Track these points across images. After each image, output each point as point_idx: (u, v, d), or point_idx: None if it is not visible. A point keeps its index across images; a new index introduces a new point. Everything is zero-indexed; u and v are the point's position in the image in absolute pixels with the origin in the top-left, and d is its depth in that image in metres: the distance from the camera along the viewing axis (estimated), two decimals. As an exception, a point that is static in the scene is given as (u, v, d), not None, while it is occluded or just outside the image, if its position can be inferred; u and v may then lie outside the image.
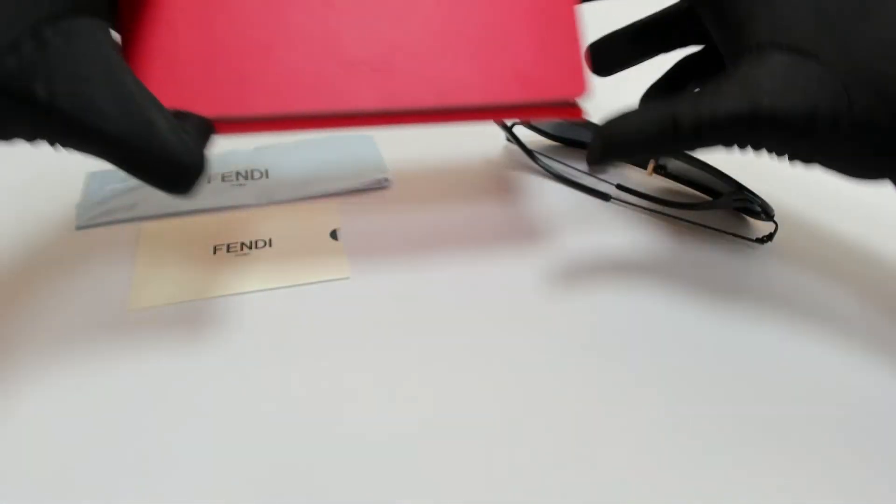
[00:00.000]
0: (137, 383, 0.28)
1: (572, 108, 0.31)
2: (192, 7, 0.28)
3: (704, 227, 0.37)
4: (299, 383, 0.28)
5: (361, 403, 0.28)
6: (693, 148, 0.28)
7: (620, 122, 0.28)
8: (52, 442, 0.26)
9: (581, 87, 0.30)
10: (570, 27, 0.31)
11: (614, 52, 0.34)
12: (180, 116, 0.25)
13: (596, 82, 0.31)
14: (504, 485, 0.25)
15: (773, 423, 0.27)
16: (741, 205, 0.35)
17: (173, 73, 0.27)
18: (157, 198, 0.37)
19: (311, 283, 0.33)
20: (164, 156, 0.23)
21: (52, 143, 0.24)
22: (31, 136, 0.23)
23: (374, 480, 0.25)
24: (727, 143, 0.27)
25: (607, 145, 0.28)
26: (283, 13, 0.28)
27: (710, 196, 0.37)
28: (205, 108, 0.26)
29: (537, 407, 0.28)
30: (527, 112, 0.31)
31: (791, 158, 0.27)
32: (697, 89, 0.28)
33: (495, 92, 0.30)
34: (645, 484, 0.25)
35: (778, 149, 0.27)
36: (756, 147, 0.27)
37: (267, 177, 0.41)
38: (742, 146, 0.27)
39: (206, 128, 0.26)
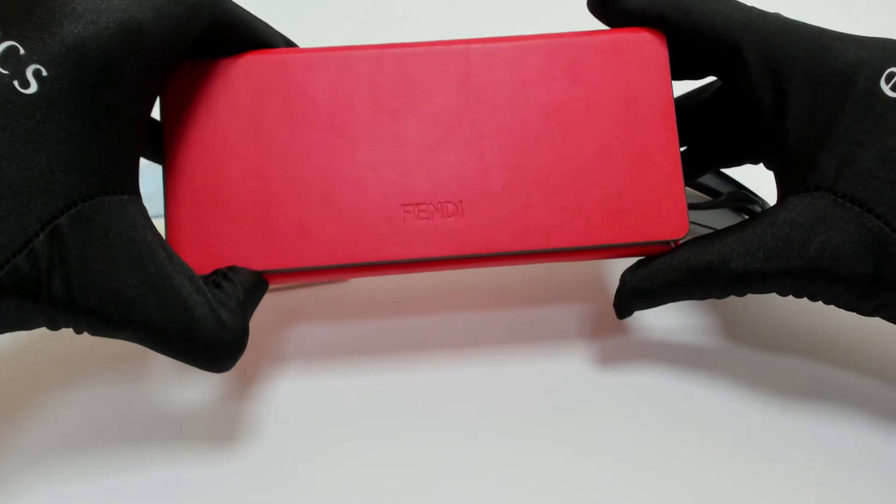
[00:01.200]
0: (140, 394, 0.29)
1: (666, 245, 0.27)
2: (244, 150, 0.26)
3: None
4: (303, 390, 0.29)
5: (372, 408, 0.28)
6: (729, 296, 0.26)
7: (646, 273, 0.26)
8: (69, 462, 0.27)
9: (684, 227, 0.26)
10: (672, 158, 0.27)
11: None
12: (228, 275, 0.24)
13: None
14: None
15: (768, 425, 0.28)
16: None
17: (224, 226, 0.25)
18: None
19: (310, 286, 0.33)
20: (199, 339, 0.22)
21: (78, 332, 0.23)
22: (54, 328, 0.22)
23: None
24: (771, 291, 0.25)
25: (633, 297, 0.26)
26: (345, 154, 0.26)
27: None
28: (259, 263, 0.25)
29: (527, 397, 0.29)
30: (615, 252, 0.27)
31: (848, 310, 0.26)
32: (736, 226, 0.26)
33: (583, 234, 0.26)
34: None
35: (833, 302, 0.25)
36: (810, 298, 0.25)
37: None
38: (792, 295, 0.25)
39: (257, 284, 0.25)
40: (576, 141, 0.26)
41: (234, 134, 0.26)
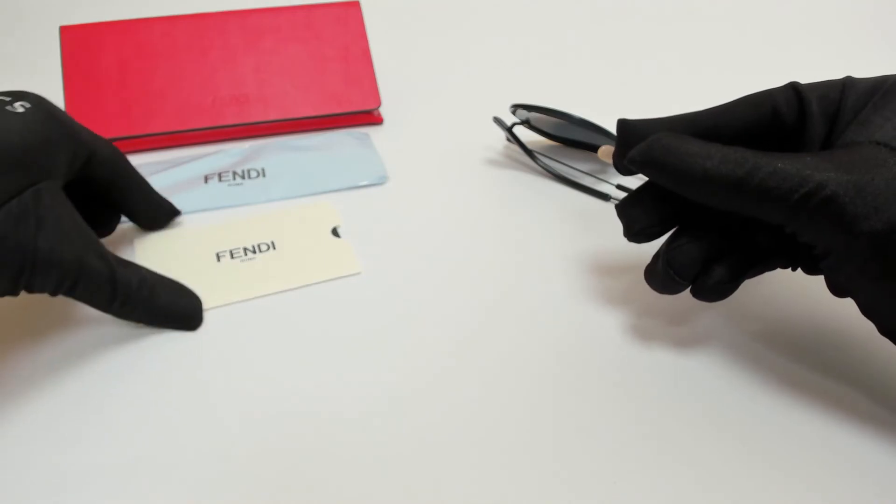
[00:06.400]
0: (165, 396, 0.28)
1: (373, 114, 0.49)
2: (113, 70, 0.45)
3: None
4: (328, 383, 0.28)
5: (394, 399, 0.28)
6: (754, 209, 0.24)
7: (650, 125, 0.27)
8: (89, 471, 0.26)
9: (376, 101, 0.48)
10: (366, 59, 0.48)
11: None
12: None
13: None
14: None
15: (761, 421, 0.27)
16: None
17: (104, 111, 0.44)
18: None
19: (325, 282, 0.33)
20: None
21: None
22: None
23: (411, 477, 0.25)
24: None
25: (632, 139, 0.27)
26: (177, 68, 0.45)
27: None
28: (122, 130, 0.44)
29: (529, 397, 0.28)
30: (342, 119, 0.48)
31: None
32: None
33: (318, 107, 0.47)
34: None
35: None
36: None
37: (264, 175, 0.41)
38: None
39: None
40: (308, 54, 0.47)
41: (106, 65, 0.44)
